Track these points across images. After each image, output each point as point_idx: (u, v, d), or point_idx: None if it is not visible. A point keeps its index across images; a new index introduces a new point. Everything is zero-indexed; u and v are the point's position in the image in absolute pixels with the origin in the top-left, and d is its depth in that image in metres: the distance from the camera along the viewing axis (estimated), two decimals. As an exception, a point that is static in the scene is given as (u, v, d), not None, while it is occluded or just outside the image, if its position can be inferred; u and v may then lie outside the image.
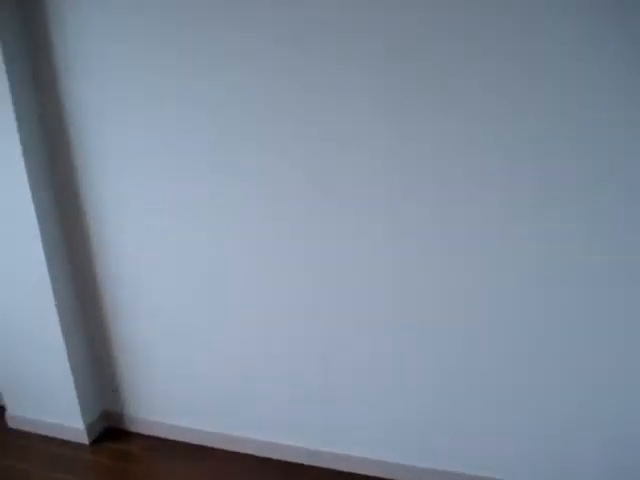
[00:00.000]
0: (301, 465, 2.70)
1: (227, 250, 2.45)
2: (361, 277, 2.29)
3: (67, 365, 2.81)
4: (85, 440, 2.96)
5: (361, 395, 2.48)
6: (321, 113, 2.12)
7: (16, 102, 2.40)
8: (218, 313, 2.58)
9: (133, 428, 3.02)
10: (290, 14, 2.03)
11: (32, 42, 2.39)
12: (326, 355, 2.47)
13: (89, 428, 2.96)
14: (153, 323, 2.73)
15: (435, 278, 2.19)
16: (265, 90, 2.15)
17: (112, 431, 3.05)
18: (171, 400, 2.87)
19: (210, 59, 2.19)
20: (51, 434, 3.03)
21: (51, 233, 2.64)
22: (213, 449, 2.87)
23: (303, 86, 2.11)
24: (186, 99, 2.27)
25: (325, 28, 2.01)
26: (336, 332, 2.42)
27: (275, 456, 2.74)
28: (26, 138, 2.47)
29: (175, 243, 2.52)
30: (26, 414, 3.05)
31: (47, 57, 2.40)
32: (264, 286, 2.45)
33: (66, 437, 3.00)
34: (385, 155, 2.09)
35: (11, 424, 3.12)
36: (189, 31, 2.17)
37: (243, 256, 2.43)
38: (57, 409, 2.96)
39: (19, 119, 2.41)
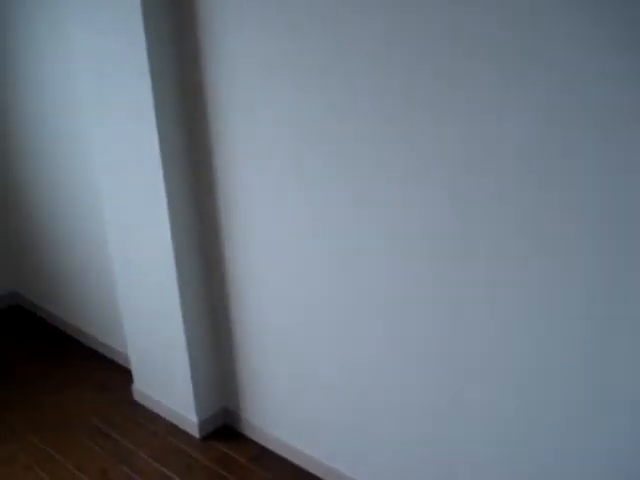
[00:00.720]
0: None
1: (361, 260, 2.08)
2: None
3: (186, 359, 2.63)
4: (197, 434, 2.78)
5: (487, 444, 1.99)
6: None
7: (152, 64, 2.23)
8: (343, 338, 2.23)
9: (248, 433, 2.78)
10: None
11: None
12: (447, 407, 2.01)
13: (202, 424, 2.76)
14: (276, 333, 2.45)
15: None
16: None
17: (228, 430, 2.83)
18: (287, 416, 2.57)
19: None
20: (169, 418, 2.90)
21: (181, 225, 2.47)
22: (317, 478, 2.54)
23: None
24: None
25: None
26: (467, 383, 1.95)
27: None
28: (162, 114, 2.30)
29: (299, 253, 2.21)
30: (149, 392, 2.94)
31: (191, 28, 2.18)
32: (401, 306, 2.04)
33: (181, 426, 2.84)
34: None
35: (136, 396, 3.04)
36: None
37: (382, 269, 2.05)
38: (176, 398, 2.81)
39: (155, 88, 2.24)
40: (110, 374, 3.27)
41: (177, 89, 2.31)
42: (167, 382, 2.80)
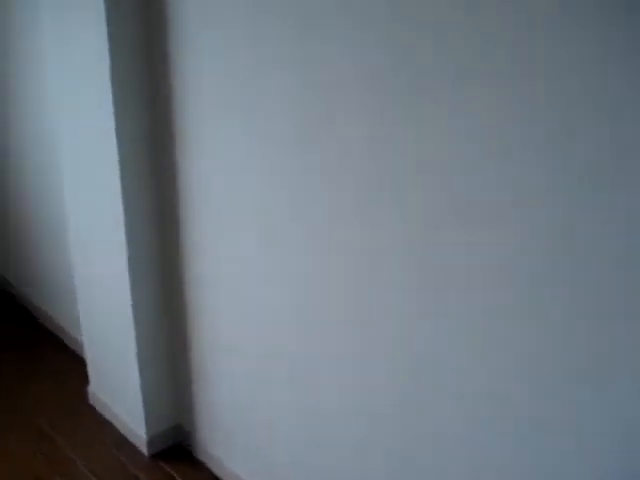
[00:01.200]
0: None
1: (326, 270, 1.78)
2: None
3: (136, 367, 2.35)
4: (145, 451, 2.51)
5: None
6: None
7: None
8: (301, 372, 1.93)
9: (201, 457, 2.49)
10: None
11: None
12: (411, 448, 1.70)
13: (151, 440, 2.49)
14: (233, 352, 2.16)
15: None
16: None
17: (180, 451, 2.55)
18: (242, 447, 2.29)
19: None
20: (119, 428, 2.64)
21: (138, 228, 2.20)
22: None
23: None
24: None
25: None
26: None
27: None
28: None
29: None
30: (103, 397, 2.69)
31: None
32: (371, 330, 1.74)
33: (130, 439, 2.58)
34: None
35: (90, 400, 2.78)
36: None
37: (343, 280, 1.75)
38: (126, 407, 2.54)
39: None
40: (75, 372, 2.99)
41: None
42: (119, 389, 2.54)
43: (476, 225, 1.38)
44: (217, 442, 2.40)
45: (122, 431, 2.62)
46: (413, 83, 1.40)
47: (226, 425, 2.33)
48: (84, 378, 2.87)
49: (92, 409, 2.76)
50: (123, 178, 2.09)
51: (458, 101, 1.34)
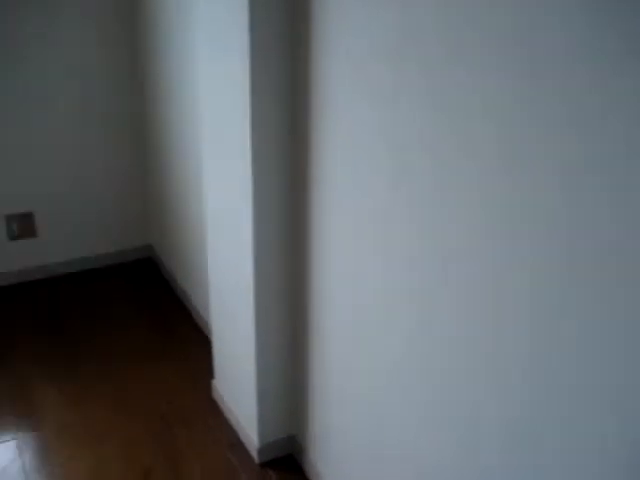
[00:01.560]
0: None
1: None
2: None
3: (254, 376, 2.29)
4: (256, 457, 2.46)
5: None
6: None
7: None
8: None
9: (309, 472, 2.39)
10: None
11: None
12: None
13: (262, 449, 2.43)
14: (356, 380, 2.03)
15: None
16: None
17: (291, 463, 2.47)
18: (349, 472, 2.16)
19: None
20: (236, 429, 2.60)
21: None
22: None
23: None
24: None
25: None
26: None
27: None
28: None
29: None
30: (225, 394, 2.66)
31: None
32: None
33: (244, 443, 2.53)
34: None
35: (214, 394, 2.77)
36: None
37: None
38: (243, 411, 2.50)
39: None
40: (205, 358, 2.97)
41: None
42: (238, 391, 2.50)
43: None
44: (327, 462, 2.29)
45: (237, 433, 2.58)
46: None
47: (337, 447, 2.20)
48: (212, 367, 2.86)
49: (213, 404, 2.75)
50: (256, 186, 2.02)
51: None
